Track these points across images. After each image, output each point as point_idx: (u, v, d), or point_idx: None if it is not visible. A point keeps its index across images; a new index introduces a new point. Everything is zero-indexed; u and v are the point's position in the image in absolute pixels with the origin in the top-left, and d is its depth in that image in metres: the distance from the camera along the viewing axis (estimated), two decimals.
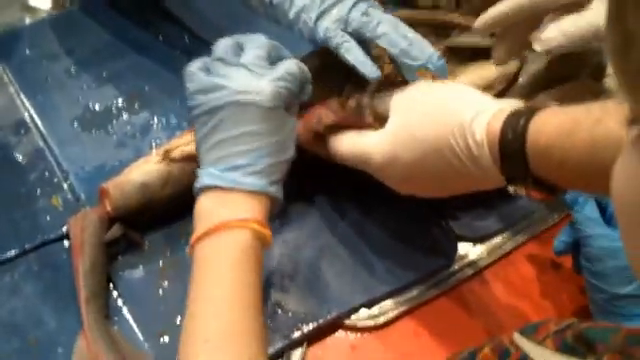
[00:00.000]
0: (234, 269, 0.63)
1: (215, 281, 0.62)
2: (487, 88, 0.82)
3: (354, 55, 0.76)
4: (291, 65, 0.70)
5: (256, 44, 0.71)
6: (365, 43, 0.77)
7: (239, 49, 0.71)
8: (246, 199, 0.66)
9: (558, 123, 0.59)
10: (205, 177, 0.67)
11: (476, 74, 0.83)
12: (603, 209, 0.73)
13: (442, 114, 0.66)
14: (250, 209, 0.65)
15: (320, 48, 0.82)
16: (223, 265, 0.63)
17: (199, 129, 0.69)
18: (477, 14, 0.85)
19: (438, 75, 0.76)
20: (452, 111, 0.66)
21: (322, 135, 0.75)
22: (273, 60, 0.71)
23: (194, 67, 0.70)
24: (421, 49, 0.75)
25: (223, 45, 0.71)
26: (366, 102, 0.75)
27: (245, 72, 0.68)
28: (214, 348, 0.59)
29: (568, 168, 0.59)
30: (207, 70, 0.70)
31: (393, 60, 0.78)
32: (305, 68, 0.72)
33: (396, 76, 0.81)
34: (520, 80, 0.83)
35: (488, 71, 0.83)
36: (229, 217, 0.64)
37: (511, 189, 0.65)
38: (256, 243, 0.65)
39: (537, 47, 0.69)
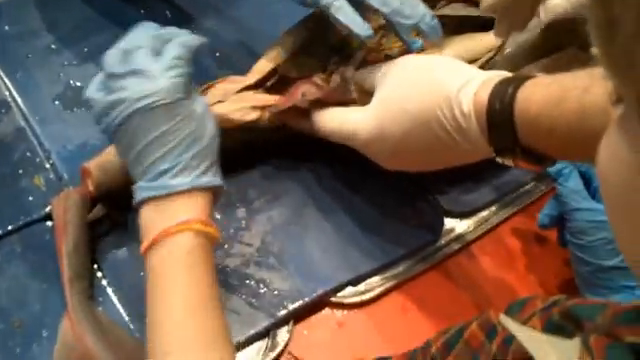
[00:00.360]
0: (183, 275, 0.61)
1: (167, 291, 0.61)
2: (473, 60, 0.81)
3: (345, 14, 0.74)
4: (176, 49, 0.67)
5: (138, 43, 0.68)
6: (357, 5, 0.75)
7: (126, 55, 0.68)
8: (181, 201, 0.64)
9: (546, 91, 0.59)
10: (138, 192, 0.65)
11: (462, 46, 0.82)
12: (588, 181, 0.73)
13: (428, 86, 0.65)
14: (188, 209, 0.64)
15: (307, 20, 0.82)
16: (172, 273, 0.62)
17: (117, 148, 0.67)
18: None
19: (430, 36, 0.75)
20: (438, 83, 0.65)
21: (306, 111, 0.75)
22: (163, 48, 0.69)
23: (91, 91, 0.68)
24: (413, 7, 0.74)
25: (109, 59, 0.68)
26: (350, 77, 0.74)
27: (137, 78, 0.65)
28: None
29: (557, 136, 0.58)
30: (106, 88, 0.67)
31: (385, 19, 0.76)
32: (194, 41, 0.69)
33: (381, 50, 0.81)
34: (507, 51, 0.82)
35: (474, 42, 0.83)
36: (168, 224, 0.63)
37: (499, 160, 0.64)
38: (202, 241, 0.63)
39: (543, 16, 0.68)
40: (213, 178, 0.66)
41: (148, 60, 0.66)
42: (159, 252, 0.62)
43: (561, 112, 0.58)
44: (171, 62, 0.66)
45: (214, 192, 0.66)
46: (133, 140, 0.65)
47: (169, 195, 0.64)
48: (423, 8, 0.74)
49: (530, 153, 0.62)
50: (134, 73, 0.66)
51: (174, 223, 0.62)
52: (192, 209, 0.64)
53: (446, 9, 0.85)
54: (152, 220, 0.64)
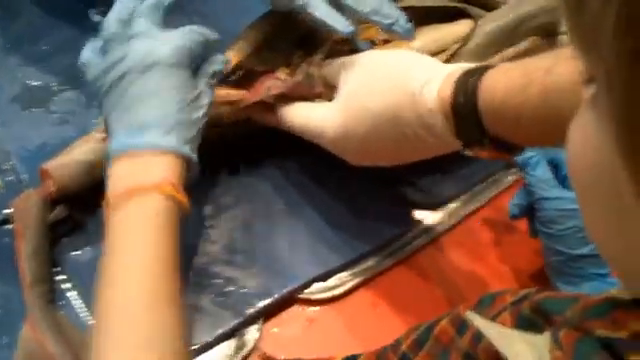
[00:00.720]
0: (150, 234, 0.60)
1: (131, 248, 0.60)
2: (440, 51, 0.80)
3: (323, 11, 0.73)
4: (187, 29, 0.69)
5: (138, 12, 0.69)
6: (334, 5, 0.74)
7: (127, 22, 0.68)
8: (158, 160, 0.63)
9: (508, 78, 0.58)
10: (114, 144, 0.64)
11: (429, 37, 0.81)
12: (556, 169, 0.72)
13: (392, 83, 0.65)
14: (163, 171, 0.63)
15: (270, 14, 0.80)
16: (138, 230, 0.60)
17: (107, 104, 0.67)
18: None
19: (404, 38, 0.74)
20: (402, 80, 0.64)
21: (271, 106, 0.74)
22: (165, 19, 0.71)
23: (86, 56, 0.69)
24: (390, 7, 0.73)
25: (110, 24, 0.68)
26: (315, 71, 0.73)
27: (141, 40, 0.67)
28: (132, 316, 0.56)
29: (524, 123, 0.57)
30: (103, 51, 0.68)
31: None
32: (205, 32, 0.70)
33: (345, 44, 0.79)
34: (474, 40, 0.81)
35: (440, 33, 0.82)
36: (141, 181, 0.62)
37: (468, 152, 0.63)
38: (171, 206, 0.62)
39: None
40: (192, 152, 0.66)
41: (153, 29, 0.68)
42: (126, 208, 0.61)
43: (526, 97, 0.57)
44: (182, 33, 0.68)
45: (188, 169, 0.66)
46: (127, 93, 0.65)
47: (146, 153, 0.63)
48: (397, 10, 0.74)
49: (499, 143, 0.61)
50: (138, 36, 0.67)
51: (148, 180, 0.61)
52: (166, 172, 0.63)
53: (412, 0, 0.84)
54: (125, 174, 0.63)
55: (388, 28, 0.73)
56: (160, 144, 0.63)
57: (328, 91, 0.72)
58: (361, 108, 0.66)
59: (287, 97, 0.73)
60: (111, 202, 0.61)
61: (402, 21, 0.73)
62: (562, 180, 0.71)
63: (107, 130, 0.68)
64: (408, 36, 0.74)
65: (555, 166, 0.72)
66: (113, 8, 0.69)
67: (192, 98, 0.66)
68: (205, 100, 0.68)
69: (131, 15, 0.69)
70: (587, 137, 0.33)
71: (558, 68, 0.55)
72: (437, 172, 0.81)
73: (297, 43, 0.80)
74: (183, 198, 0.63)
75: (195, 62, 0.68)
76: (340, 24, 0.72)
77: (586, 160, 0.34)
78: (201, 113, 0.67)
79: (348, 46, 0.79)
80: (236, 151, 0.80)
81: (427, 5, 0.83)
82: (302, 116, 0.72)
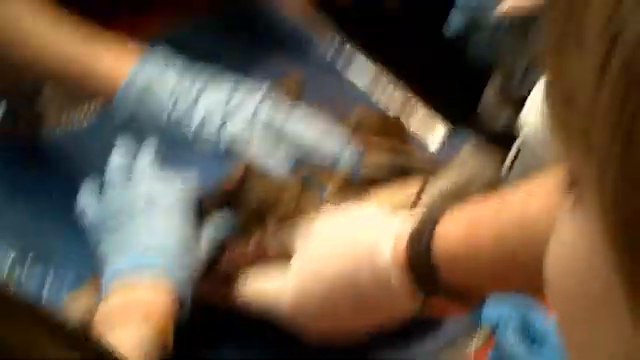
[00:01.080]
0: None
1: None
2: (393, 207, 0.80)
3: (260, 150, 0.74)
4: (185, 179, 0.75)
5: (144, 159, 0.75)
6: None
7: (129, 168, 0.74)
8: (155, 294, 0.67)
9: (457, 239, 0.60)
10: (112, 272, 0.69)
11: (380, 199, 0.81)
12: (527, 330, 0.70)
13: (341, 263, 0.65)
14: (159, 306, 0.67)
15: (220, 186, 0.81)
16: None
17: (104, 244, 0.71)
18: None
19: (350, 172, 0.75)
20: (350, 261, 0.65)
21: (225, 282, 0.73)
22: None
23: (84, 201, 0.74)
24: (334, 142, 0.74)
25: (113, 170, 0.74)
26: (268, 240, 0.73)
27: (144, 184, 0.72)
28: None
29: (481, 270, 0.59)
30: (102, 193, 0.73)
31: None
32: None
33: (297, 211, 0.79)
34: (426, 198, 0.81)
35: (392, 194, 0.81)
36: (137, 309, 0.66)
37: (427, 310, 0.64)
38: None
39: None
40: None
41: (155, 173, 0.74)
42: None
43: (478, 249, 0.58)
44: (179, 181, 0.74)
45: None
46: (125, 234, 0.70)
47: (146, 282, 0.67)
48: (340, 145, 0.75)
49: (457, 294, 0.62)
50: (141, 181, 0.73)
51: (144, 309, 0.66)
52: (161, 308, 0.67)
53: (369, 166, 0.84)
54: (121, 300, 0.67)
55: (332, 168, 0.74)
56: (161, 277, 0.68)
57: (283, 257, 0.71)
58: (315, 280, 0.66)
59: (243, 265, 0.73)
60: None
61: (347, 155, 0.74)
62: (532, 338, 0.69)
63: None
64: (355, 171, 0.75)
65: (526, 328, 0.70)
66: (114, 154, 0.75)
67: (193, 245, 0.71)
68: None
69: (133, 160, 0.74)
70: (570, 262, 0.30)
71: (504, 214, 0.57)
72: (400, 342, 0.78)
73: (248, 212, 0.80)
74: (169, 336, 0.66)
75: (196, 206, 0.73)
76: (278, 167, 0.74)
77: (569, 288, 0.31)
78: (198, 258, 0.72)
79: (299, 212, 0.78)
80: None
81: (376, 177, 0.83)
82: (255, 292, 0.71)
